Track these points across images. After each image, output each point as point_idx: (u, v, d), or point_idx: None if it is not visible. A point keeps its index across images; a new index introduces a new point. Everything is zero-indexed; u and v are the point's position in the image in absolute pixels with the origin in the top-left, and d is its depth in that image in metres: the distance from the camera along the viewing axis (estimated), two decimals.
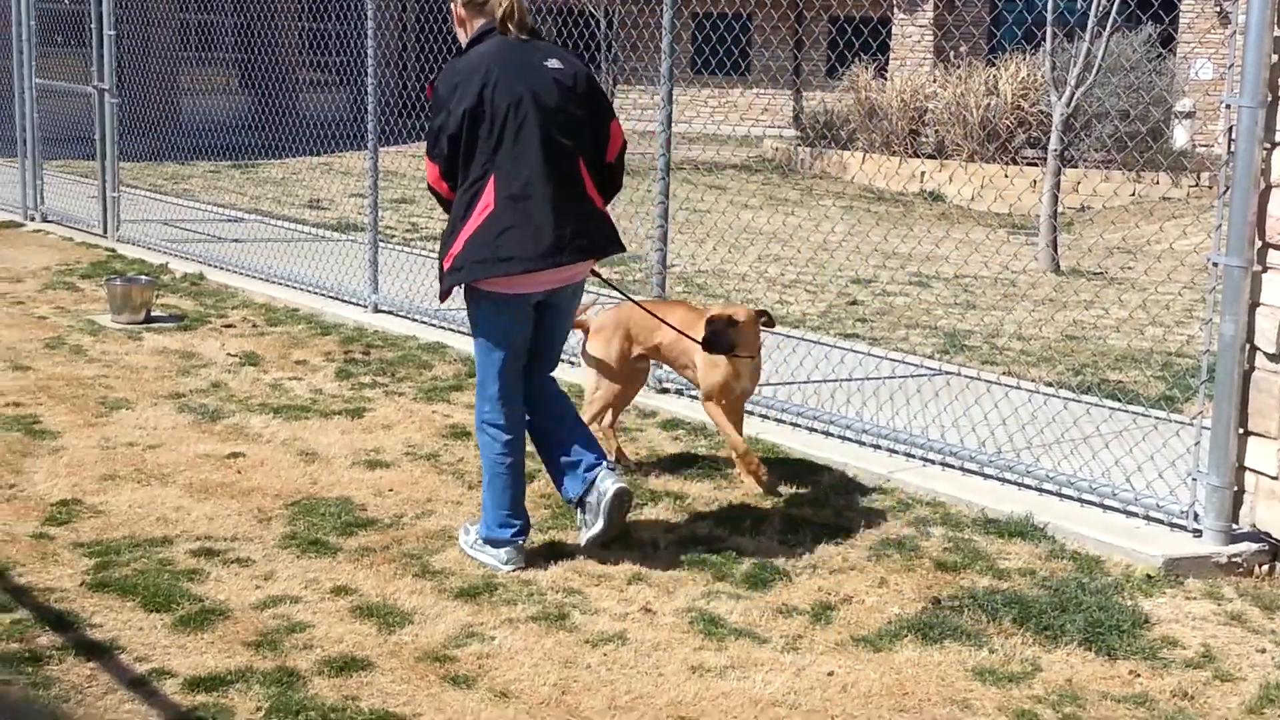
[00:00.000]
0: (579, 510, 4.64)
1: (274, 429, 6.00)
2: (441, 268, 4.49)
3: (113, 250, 10.55)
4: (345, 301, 8.67)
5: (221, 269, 9.73)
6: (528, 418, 4.68)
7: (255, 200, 13.85)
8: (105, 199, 11.00)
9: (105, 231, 11.03)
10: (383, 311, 8.41)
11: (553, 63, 4.49)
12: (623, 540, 4.76)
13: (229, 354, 7.36)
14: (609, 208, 4.70)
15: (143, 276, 8.64)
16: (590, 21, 18.74)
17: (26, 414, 6.03)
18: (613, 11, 18.57)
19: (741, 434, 5.41)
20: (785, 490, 5.39)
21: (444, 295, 4.57)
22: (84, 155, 12.05)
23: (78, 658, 3.73)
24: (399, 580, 4.38)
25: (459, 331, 7.84)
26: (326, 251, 9.85)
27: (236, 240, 11.03)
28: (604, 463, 4.62)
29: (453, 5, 4.63)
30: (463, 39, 4.63)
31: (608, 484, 4.54)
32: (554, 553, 4.66)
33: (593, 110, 4.54)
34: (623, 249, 4.65)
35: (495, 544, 4.55)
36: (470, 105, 4.34)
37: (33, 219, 11.93)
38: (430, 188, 4.56)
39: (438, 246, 4.59)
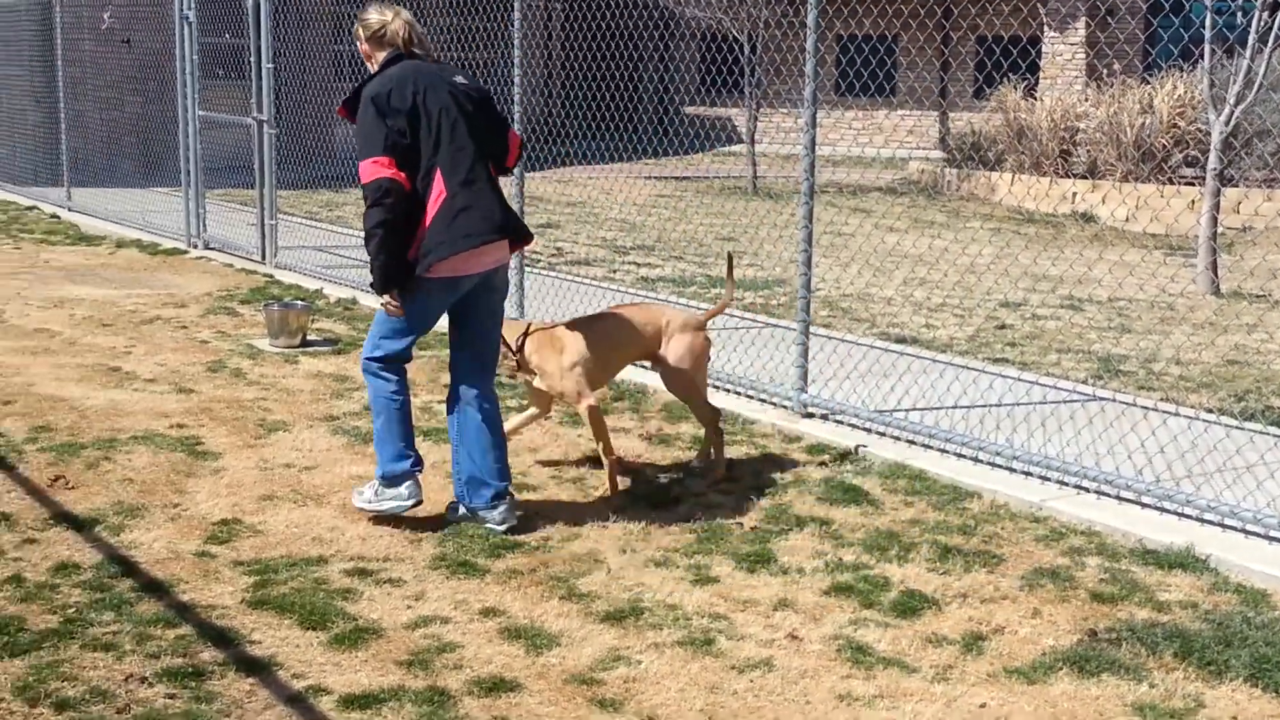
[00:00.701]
0: (470, 512, 5.12)
1: (424, 451, 6.10)
2: (388, 265, 4.88)
3: (270, 276, 10.86)
4: None
5: (373, 293, 9.94)
6: (471, 411, 5.09)
7: None
8: (263, 226, 11.34)
9: (263, 258, 11.38)
10: None
11: (459, 79, 5.05)
12: (768, 565, 4.76)
13: None
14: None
15: (299, 301, 8.88)
16: (733, 46, 18.78)
17: (189, 435, 6.24)
18: (756, 36, 18.57)
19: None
20: (934, 518, 5.31)
21: (396, 285, 4.94)
22: (243, 184, 12.45)
23: (238, 673, 3.84)
24: (546, 602, 4.42)
25: None
26: None
27: None
28: (509, 495, 5.12)
29: (358, 43, 5.16)
30: (372, 68, 5.13)
31: (509, 520, 5.06)
32: (699, 578, 4.66)
33: (495, 121, 5.10)
34: (531, 237, 5.21)
35: (394, 480, 4.97)
36: (408, 108, 4.84)
37: (195, 246, 12.35)
38: (385, 182, 4.80)
39: (369, 246, 4.95)
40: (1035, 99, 19.56)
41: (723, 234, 13.95)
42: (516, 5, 8.32)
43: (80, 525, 5.02)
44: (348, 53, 22.23)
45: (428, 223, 4.85)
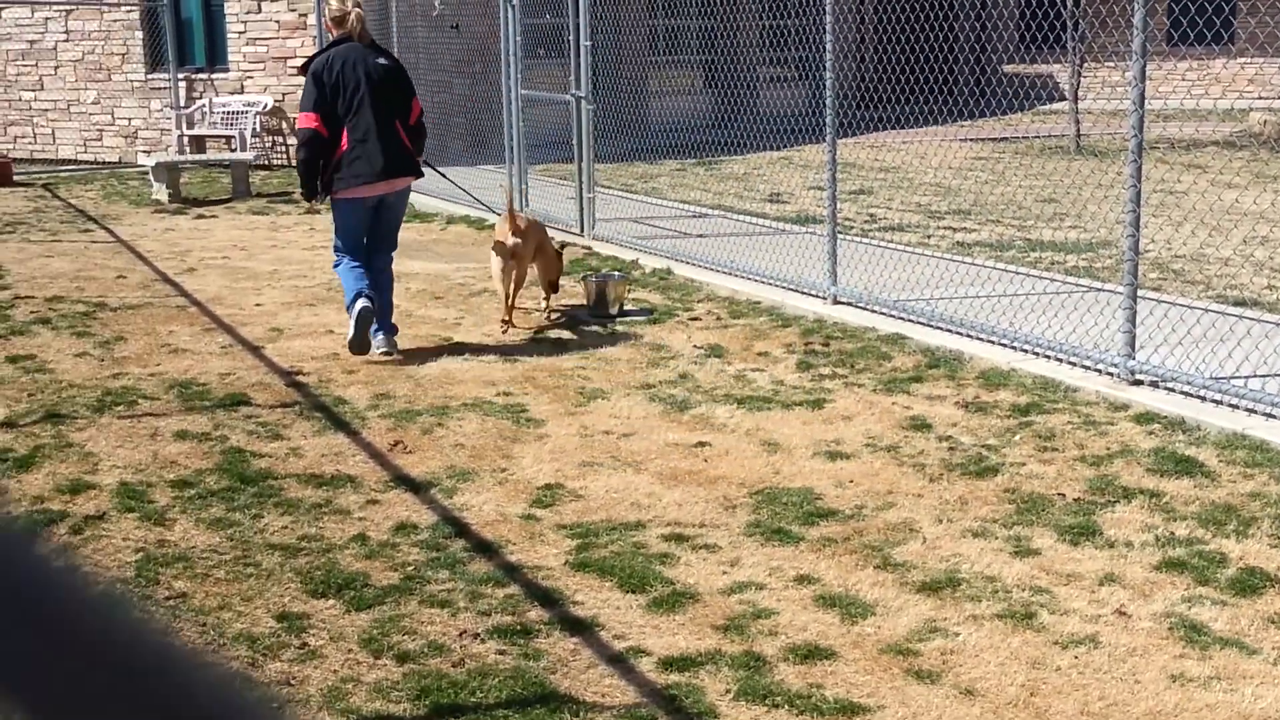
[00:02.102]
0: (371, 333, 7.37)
1: (738, 419, 6.18)
2: (316, 185, 7.32)
3: (589, 248, 11.17)
4: (805, 294, 8.79)
5: (687, 264, 10.09)
6: (379, 274, 7.53)
7: (718, 196, 14.28)
8: (582, 200, 11.67)
9: (582, 230, 11.71)
10: (842, 303, 8.46)
11: (380, 60, 7.41)
12: (1093, 538, 4.59)
13: (695, 346, 7.63)
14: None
15: (616, 272, 9.09)
16: (1056, 0, 18.03)
17: (515, 403, 6.51)
18: None
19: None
20: (1277, 491, 4.99)
21: (318, 198, 7.41)
22: (563, 159, 12.84)
23: (562, 633, 3.99)
24: (860, 571, 4.41)
25: (919, 322, 7.77)
26: (786, 244, 10.01)
27: (701, 235, 11.41)
28: (380, 334, 7.37)
29: (324, 20, 7.59)
30: (330, 38, 7.49)
31: (379, 344, 7.36)
32: (1019, 550, 4.54)
33: (402, 92, 7.44)
34: (420, 175, 7.60)
35: (351, 304, 7.30)
36: (332, 82, 7.21)
37: None
38: (309, 131, 7.23)
39: (299, 172, 7.44)
40: None
41: (1043, 195, 13.46)
42: None
43: (417, 488, 5.33)
44: (662, 27, 22.37)
45: (335, 162, 7.24)
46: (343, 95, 7.19)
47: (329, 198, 7.37)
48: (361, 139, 7.19)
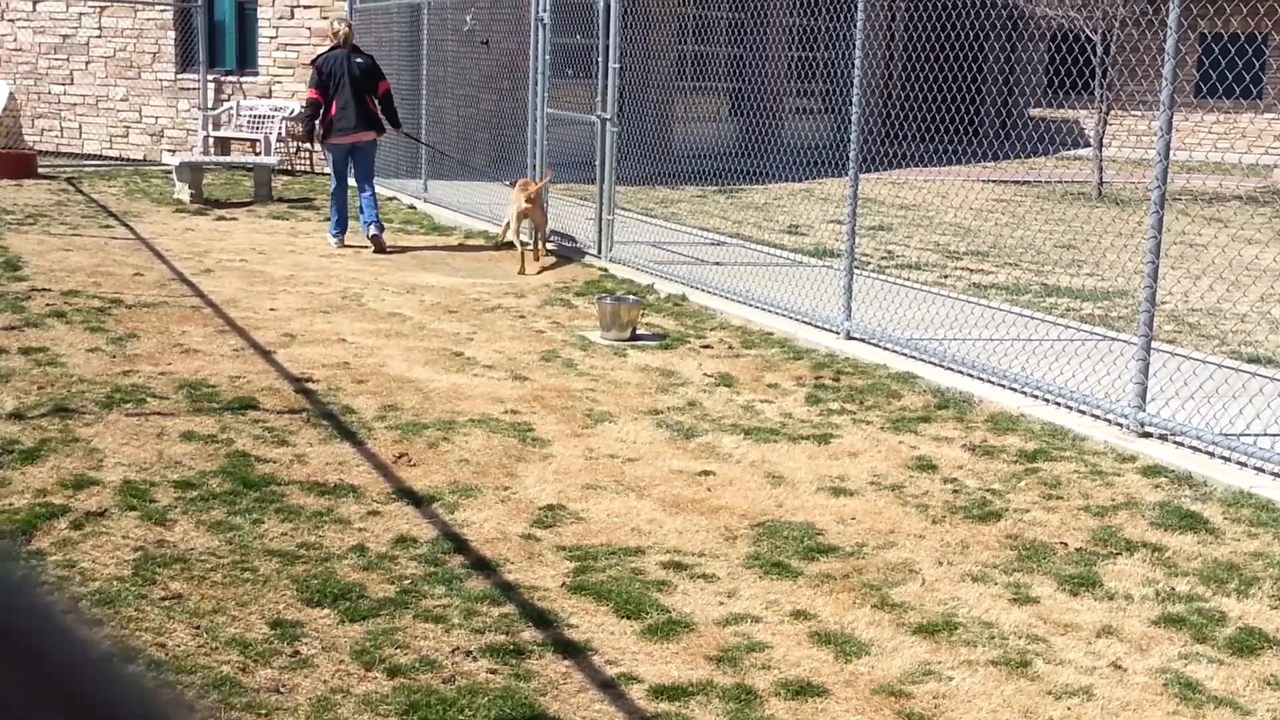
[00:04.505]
0: (367, 232, 11.81)
1: (744, 450, 6.17)
2: (313, 131, 11.92)
3: (605, 270, 11.19)
4: (818, 327, 8.78)
5: (703, 290, 10.10)
6: (356, 204, 11.81)
7: (737, 225, 14.29)
8: (600, 221, 11.68)
9: (599, 252, 11.72)
10: (855, 339, 8.45)
11: (359, 59, 11.61)
12: (1093, 590, 4.57)
13: (705, 374, 7.63)
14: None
15: (630, 296, 9.10)
16: (1085, 46, 18.05)
17: (522, 421, 6.51)
18: (1110, 36, 17.78)
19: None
20: (1279, 549, 4.97)
21: (310, 139, 12.72)
22: (584, 179, 12.87)
23: (555, 655, 3.99)
24: (858, 610, 4.39)
25: (930, 362, 7.76)
26: (802, 277, 10.02)
27: (718, 263, 11.41)
28: (372, 225, 11.74)
29: (328, 29, 12.33)
30: (326, 46, 11.87)
31: (370, 231, 11.67)
32: (1018, 597, 4.52)
33: (371, 78, 11.66)
34: (381, 131, 11.87)
35: (333, 235, 11.92)
36: (327, 72, 11.52)
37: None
38: (313, 99, 11.64)
39: (321, 131, 11.83)
40: None
41: (1062, 241, 13.45)
42: (860, 5, 8.27)
43: (419, 501, 5.33)
44: (691, 53, 22.41)
45: (327, 122, 11.58)
46: (331, 82, 11.58)
47: (323, 143, 11.86)
48: (343, 108, 11.60)
